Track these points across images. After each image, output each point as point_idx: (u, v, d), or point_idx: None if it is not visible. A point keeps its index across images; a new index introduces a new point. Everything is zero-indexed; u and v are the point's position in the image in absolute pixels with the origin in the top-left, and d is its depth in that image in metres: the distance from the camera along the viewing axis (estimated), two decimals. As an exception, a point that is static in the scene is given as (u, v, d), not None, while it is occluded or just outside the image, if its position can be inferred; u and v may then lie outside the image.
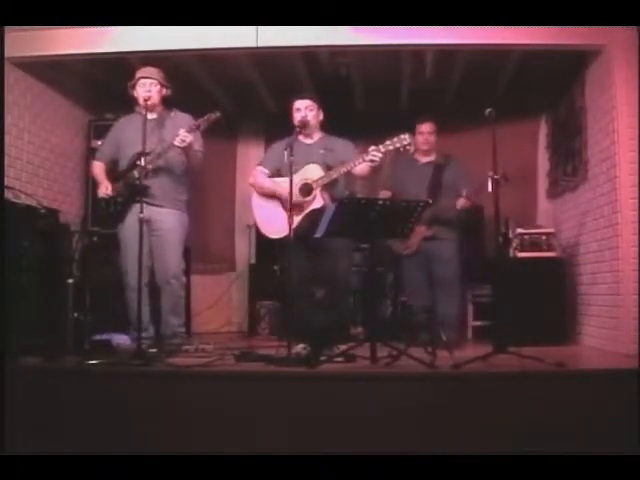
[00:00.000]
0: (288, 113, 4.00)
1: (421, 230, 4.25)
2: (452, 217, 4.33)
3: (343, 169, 3.73)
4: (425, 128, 4.45)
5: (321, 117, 4.01)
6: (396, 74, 5.05)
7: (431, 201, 4.04)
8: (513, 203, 4.59)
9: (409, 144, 3.54)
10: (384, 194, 4.52)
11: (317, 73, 5.04)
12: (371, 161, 3.60)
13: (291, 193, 3.45)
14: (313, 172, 3.81)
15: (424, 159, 4.52)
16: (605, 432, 2.60)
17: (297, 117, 3.90)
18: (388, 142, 3.56)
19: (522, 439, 2.61)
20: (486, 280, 4.85)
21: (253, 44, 4.00)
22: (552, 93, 5.14)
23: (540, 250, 4.61)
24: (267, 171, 4.02)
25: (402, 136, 3.54)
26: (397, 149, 3.56)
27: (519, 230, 4.69)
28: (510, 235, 4.72)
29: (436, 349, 3.38)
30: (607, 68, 4.02)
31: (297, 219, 3.74)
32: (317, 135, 4.02)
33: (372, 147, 3.58)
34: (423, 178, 4.41)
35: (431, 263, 4.36)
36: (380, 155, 3.55)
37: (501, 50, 4.32)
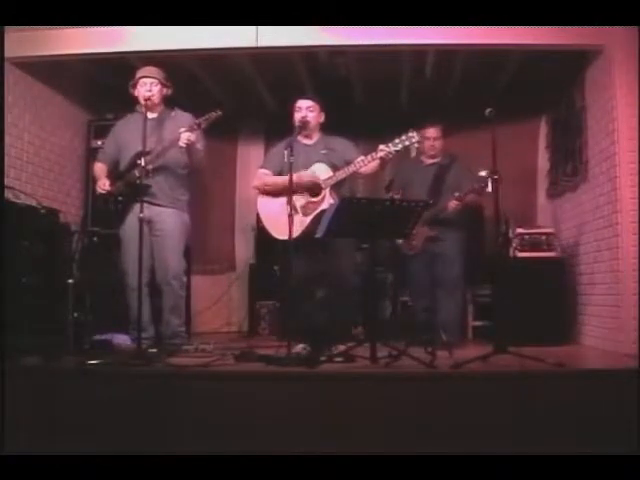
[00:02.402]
0: (288, 113, 3.99)
1: (424, 231, 4.26)
2: (453, 217, 4.33)
3: (352, 168, 3.70)
4: (431, 133, 4.46)
5: (322, 119, 3.98)
6: (396, 74, 5.05)
7: (431, 201, 4.07)
8: (513, 203, 4.60)
9: (418, 141, 3.56)
10: (395, 196, 4.54)
11: (317, 73, 5.04)
12: (381, 159, 3.61)
13: (291, 193, 3.45)
14: (321, 171, 3.78)
15: (429, 160, 4.55)
16: (605, 432, 2.60)
17: (297, 117, 3.86)
18: (397, 140, 3.57)
19: (522, 439, 2.61)
20: (486, 280, 4.86)
21: (253, 44, 4.00)
22: (552, 93, 5.14)
23: (540, 250, 4.61)
24: (269, 173, 3.98)
25: (410, 134, 3.55)
26: (406, 147, 3.57)
27: (519, 230, 4.68)
28: (510, 235, 4.72)
29: (436, 349, 3.38)
30: (607, 68, 4.02)
31: (307, 220, 3.73)
32: (316, 136, 3.98)
33: (381, 145, 3.59)
34: (426, 179, 4.43)
35: (435, 263, 4.36)
36: (392, 152, 3.56)
37: (501, 50, 4.32)
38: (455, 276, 4.37)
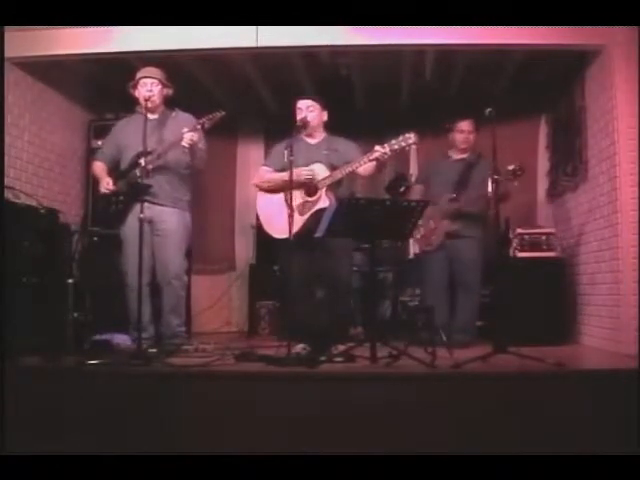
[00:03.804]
0: (288, 113, 3.99)
1: (444, 224, 4.26)
2: (475, 213, 4.28)
3: (348, 169, 3.71)
4: (466, 126, 4.42)
5: (325, 118, 3.98)
6: (396, 74, 5.05)
7: (454, 195, 4.05)
8: (513, 203, 4.59)
9: (414, 143, 3.53)
10: (418, 188, 4.55)
11: (317, 73, 5.03)
12: (376, 160, 3.59)
13: (291, 193, 3.45)
14: (318, 171, 3.79)
15: (457, 156, 4.50)
16: (605, 432, 2.60)
17: (298, 117, 3.88)
18: (393, 141, 3.55)
19: (522, 439, 2.61)
20: (486, 280, 4.86)
21: (253, 44, 3.99)
22: (552, 93, 5.14)
23: (540, 250, 4.61)
24: (272, 170, 3.98)
25: (407, 135, 3.52)
26: (402, 148, 3.55)
27: (519, 230, 4.68)
28: (510, 235, 4.71)
29: (436, 349, 3.37)
30: (607, 68, 4.01)
31: (303, 219, 3.74)
32: (320, 135, 3.99)
33: (377, 146, 3.58)
34: (452, 174, 4.39)
35: (453, 263, 4.34)
36: (386, 154, 3.55)
37: (501, 50, 4.32)
38: (474, 278, 4.34)
